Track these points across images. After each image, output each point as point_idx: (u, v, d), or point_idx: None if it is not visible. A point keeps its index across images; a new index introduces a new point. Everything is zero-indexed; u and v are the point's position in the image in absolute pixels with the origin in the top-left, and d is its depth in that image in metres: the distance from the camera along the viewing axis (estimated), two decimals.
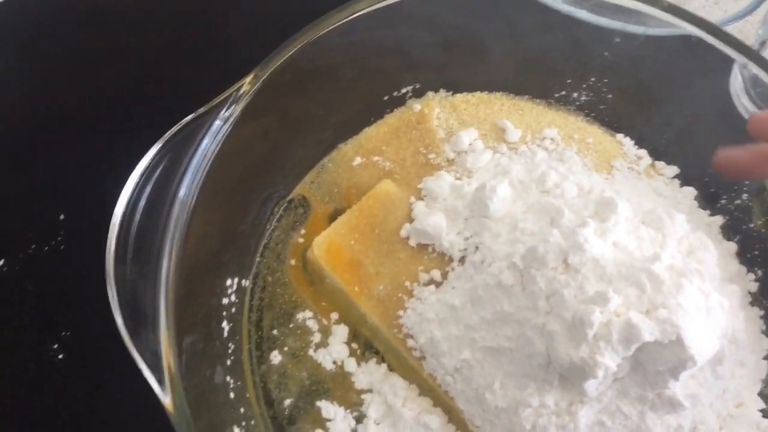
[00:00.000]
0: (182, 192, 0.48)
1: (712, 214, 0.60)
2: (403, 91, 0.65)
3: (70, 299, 0.64)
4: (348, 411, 0.56)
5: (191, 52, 0.74)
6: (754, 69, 0.54)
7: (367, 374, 0.57)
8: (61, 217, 0.67)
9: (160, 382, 0.44)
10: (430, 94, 0.65)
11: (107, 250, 0.45)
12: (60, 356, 0.62)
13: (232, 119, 0.51)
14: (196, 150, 0.49)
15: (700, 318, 0.46)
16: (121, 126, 0.70)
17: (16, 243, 0.66)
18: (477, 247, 0.55)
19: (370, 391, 0.57)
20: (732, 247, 0.58)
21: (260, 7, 0.77)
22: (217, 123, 0.50)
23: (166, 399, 0.43)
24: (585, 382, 0.47)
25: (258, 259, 0.61)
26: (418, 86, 0.65)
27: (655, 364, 0.47)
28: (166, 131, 0.49)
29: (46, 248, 0.66)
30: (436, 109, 0.65)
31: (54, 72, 0.74)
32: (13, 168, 0.69)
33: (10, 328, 0.64)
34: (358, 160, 0.63)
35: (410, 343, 0.55)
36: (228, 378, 0.54)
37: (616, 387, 0.49)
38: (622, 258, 0.48)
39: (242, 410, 0.54)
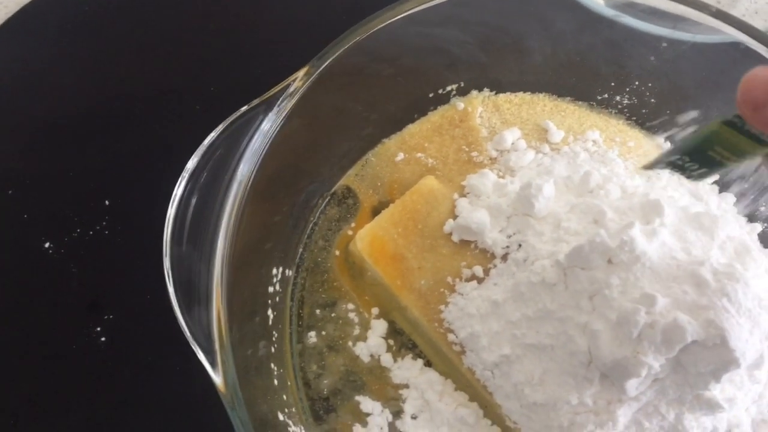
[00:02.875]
0: (236, 180, 0.49)
1: (750, 221, 0.60)
2: (448, 89, 0.65)
3: (114, 284, 0.65)
4: (385, 405, 0.57)
5: (246, 46, 0.75)
6: None
7: (403, 369, 0.58)
8: (107, 202, 0.68)
9: (212, 363, 0.45)
10: (474, 92, 0.66)
11: (165, 230, 0.46)
12: (102, 339, 0.63)
13: (284, 111, 0.52)
14: (250, 140, 0.50)
15: (744, 321, 0.47)
16: (170, 115, 0.71)
17: (61, 226, 0.67)
18: (520, 245, 0.55)
19: (406, 386, 0.58)
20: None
21: (313, 4, 0.78)
22: (271, 115, 0.51)
23: (218, 378, 0.44)
24: (626, 382, 0.47)
25: (301, 249, 0.62)
26: (462, 85, 0.65)
27: (697, 366, 0.47)
28: (218, 123, 0.50)
29: (91, 233, 0.67)
30: (479, 108, 0.65)
31: (111, 59, 0.75)
32: (64, 153, 0.71)
33: (53, 310, 0.65)
34: (401, 155, 0.64)
35: (450, 337, 0.55)
36: (272, 365, 0.55)
37: (655, 387, 0.49)
38: (668, 260, 0.49)
39: (284, 397, 0.55)
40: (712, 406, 0.49)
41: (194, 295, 0.46)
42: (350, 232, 0.62)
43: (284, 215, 0.59)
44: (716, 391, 0.49)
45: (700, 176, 0.45)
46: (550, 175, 0.58)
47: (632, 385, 0.48)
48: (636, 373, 0.46)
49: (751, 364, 0.50)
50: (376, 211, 0.61)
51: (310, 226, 0.63)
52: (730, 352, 0.46)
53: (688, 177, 0.46)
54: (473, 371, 0.54)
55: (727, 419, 0.52)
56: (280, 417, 0.52)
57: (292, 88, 0.52)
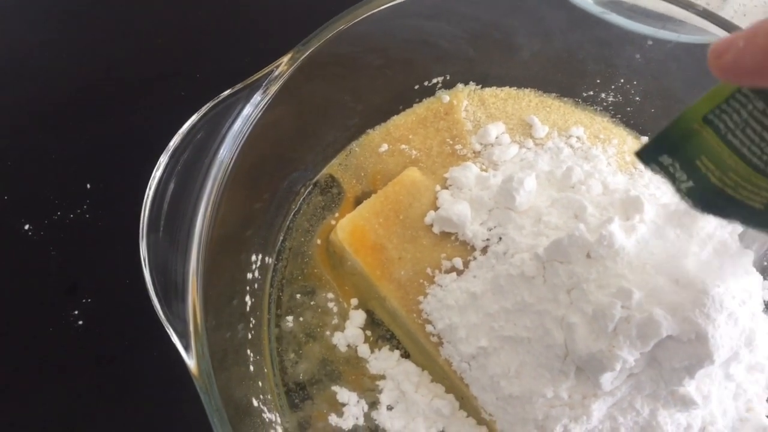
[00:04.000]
0: (216, 165, 0.49)
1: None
2: (434, 81, 0.65)
3: (93, 267, 0.65)
4: (361, 396, 0.57)
5: (229, 31, 0.75)
6: None
7: (380, 360, 0.58)
8: (88, 186, 0.67)
9: (186, 347, 0.44)
10: (460, 86, 0.66)
11: (142, 215, 0.46)
12: (80, 322, 0.63)
13: (267, 97, 0.51)
14: (231, 124, 0.50)
15: (720, 318, 0.47)
16: (156, 100, 0.71)
17: (42, 208, 0.66)
18: (500, 238, 0.55)
19: (383, 377, 0.57)
20: (751, 253, 0.58)
21: None
22: (254, 99, 0.51)
23: (191, 362, 0.44)
24: (601, 375, 0.47)
25: (282, 237, 0.62)
26: (448, 78, 0.65)
27: (671, 361, 0.48)
28: (202, 106, 0.50)
29: (72, 216, 0.66)
30: (465, 101, 0.65)
31: (97, 44, 0.75)
32: (46, 135, 0.70)
33: (31, 292, 0.64)
34: (384, 146, 0.64)
35: (428, 328, 0.55)
36: (248, 351, 0.55)
37: (630, 383, 0.49)
38: (646, 255, 0.49)
39: (260, 384, 0.55)
40: (686, 403, 0.49)
41: (170, 279, 0.46)
42: (333, 222, 0.62)
43: (265, 202, 0.59)
44: (691, 388, 0.49)
45: (690, 195, 0.40)
46: (532, 170, 0.58)
47: (607, 380, 0.48)
48: (611, 366, 0.46)
49: (725, 361, 0.50)
50: (359, 201, 0.61)
51: (292, 213, 0.63)
52: (704, 348, 0.46)
53: (678, 191, 0.41)
54: (450, 363, 0.54)
55: (702, 417, 0.52)
56: (255, 403, 0.52)
57: (276, 73, 0.52)
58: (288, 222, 0.62)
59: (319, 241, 0.62)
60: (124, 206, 0.53)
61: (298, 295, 0.60)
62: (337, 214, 0.63)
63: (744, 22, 0.78)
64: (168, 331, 0.44)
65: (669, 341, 0.46)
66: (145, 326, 0.48)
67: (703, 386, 0.50)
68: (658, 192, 0.59)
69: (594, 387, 0.49)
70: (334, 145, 0.64)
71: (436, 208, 0.58)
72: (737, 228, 0.59)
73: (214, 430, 0.43)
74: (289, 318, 0.59)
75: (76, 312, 0.63)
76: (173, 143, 0.48)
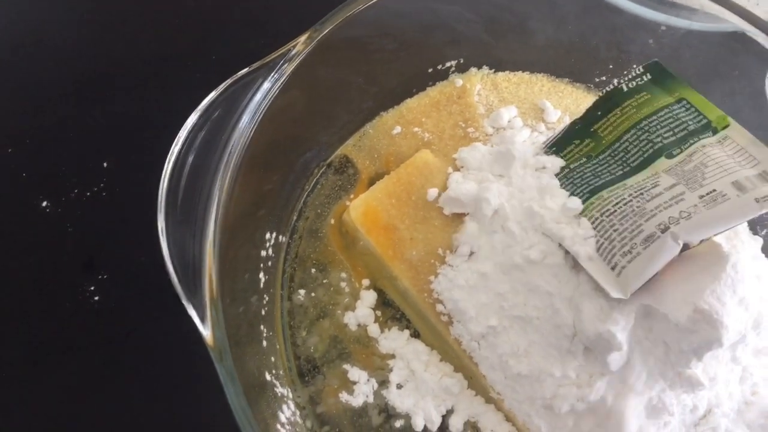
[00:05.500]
0: (233, 142, 0.50)
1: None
2: (447, 65, 0.66)
3: (109, 244, 0.66)
4: (371, 375, 0.58)
5: (245, 12, 0.76)
6: None
7: (390, 340, 0.59)
8: (105, 164, 0.68)
9: (201, 317, 0.45)
10: (473, 70, 0.67)
11: (160, 188, 0.47)
12: (96, 298, 0.64)
13: (284, 76, 0.52)
14: (248, 102, 0.51)
15: (729, 301, 0.47)
16: (172, 80, 0.72)
17: (60, 186, 0.68)
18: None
19: (392, 356, 0.58)
20: (759, 241, 0.58)
21: None
22: (271, 78, 0.52)
23: (206, 332, 0.44)
24: (608, 355, 0.48)
25: (295, 216, 0.63)
26: (461, 61, 0.66)
27: (680, 343, 0.48)
28: (217, 87, 0.50)
29: (89, 193, 0.67)
30: (478, 85, 0.66)
31: (114, 22, 0.76)
32: (65, 114, 0.71)
33: (48, 267, 0.66)
34: (398, 129, 0.65)
35: (439, 308, 0.56)
36: (261, 326, 0.56)
37: (637, 363, 0.50)
38: None
39: (272, 359, 0.56)
40: (693, 384, 0.50)
41: (186, 252, 0.47)
42: (348, 202, 0.63)
43: (279, 180, 0.60)
44: (698, 370, 0.50)
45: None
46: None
47: (614, 359, 0.48)
48: (617, 346, 0.47)
49: (733, 344, 0.50)
50: (373, 182, 0.62)
51: (306, 193, 0.63)
52: (713, 331, 0.46)
53: None
54: (460, 342, 0.55)
55: (708, 398, 0.53)
56: (268, 377, 0.53)
57: (292, 53, 0.53)
58: (302, 201, 0.63)
59: (332, 221, 0.62)
60: (140, 184, 0.54)
61: (313, 270, 0.61)
62: (352, 195, 0.63)
63: (757, 12, 0.77)
64: (183, 302, 0.45)
65: (677, 324, 0.47)
66: (161, 302, 0.50)
67: (709, 368, 0.51)
68: None
69: (601, 367, 0.49)
70: (348, 126, 0.65)
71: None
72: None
73: (229, 399, 0.44)
74: (302, 291, 0.60)
75: (93, 288, 0.64)
76: (191, 119, 0.49)
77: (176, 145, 0.48)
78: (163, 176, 0.47)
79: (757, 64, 0.58)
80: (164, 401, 0.61)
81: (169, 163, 0.47)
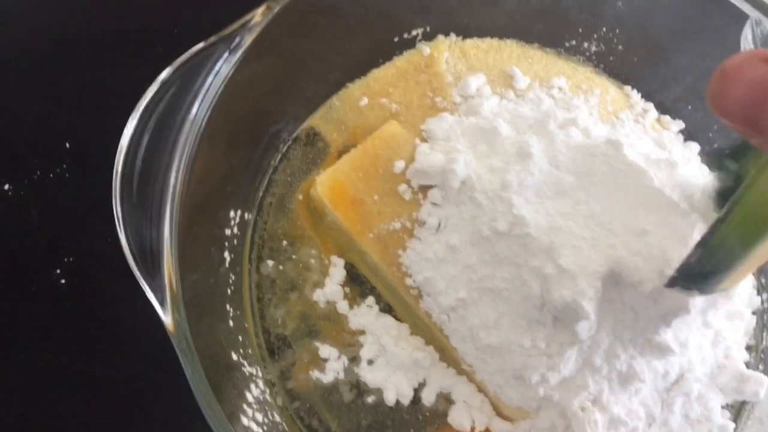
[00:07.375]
0: (190, 120, 0.48)
1: None
2: (413, 33, 0.64)
3: (74, 226, 0.65)
4: (342, 351, 0.57)
5: None
6: None
7: (359, 315, 0.58)
8: (67, 145, 0.67)
9: (161, 302, 0.44)
10: (441, 37, 0.65)
11: (114, 171, 0.46)
12: (62, 281, 0.63)
13: (242, 50, 0.50)
14: (205, 78, 0.49)
15: None
16: (131, 55, 0.70)
17: (21, 168, 0.66)
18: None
19: (362, 332, 0.57)
20: None
21: None
22: (229, 52, 0.50)
23: (167, 318, 0.44)
24: (577, 324, 0.48)
25: (261, 193, 0.61)
26: (428, 29, 0.64)
27: (648, 310, 0.48)
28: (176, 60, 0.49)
29: (51, 175, 0.66)
30: (445, 53, 0.64)
31: None
32: (23, 94, 0.69)
33: (12, 252, 0.65)
34: (365, 100, 0.63)
35: (408, 281, 0.55)
36: (228, 306, 0.55)
37: (606, 331, 0.50)
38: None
39: (240, 338, 0.55)
40: (662, 350, 0.50)
41: (145, 236, 0.46)
42: (317, 177, 0.62)
43: (244, 156, 0.58)
44: (668, 336, 0.50)
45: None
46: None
47: (583, 328, 0.48)
48: (585, 315, 0.47)
49: (703, 308, 0.50)
50: (340, 156, 0.61)
51: (271, 169, 0.62)
52: (680, 298, 0.46)
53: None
54: (430, 315, 0.55)
55: (680, 364, 0.53)
56: (235, 357, 0.53)
57: (251, 24, 0.51)
58: (268, 177, 0.62)
59: (300, 197, 0.61)
60: (103, 164, 0.52)
61: (284, 242, 0.60)
62: (321, 169, 0.62)
63: None
64: (141, 284, 0.45)
65: (645, 291, 0.47)
66: (128, 284, 0.49)
67: (680, 333, 0.51)
68: (639, 142, 0.58)
69: (571, 336, 0.49)
70: (315, 98, 0.64)
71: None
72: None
73: (191, 385, 0.43)
74: (270, 263, 0.59)
75: (59, 271, 0.63)
76: (145, 98, 0.47)
77: (129, 124, 0.46)
78: (116, 158, 0.46)
79: (730, 24, 0.56)
80: (133, 383, 0.60)
81: (122, 144, 0.46)
